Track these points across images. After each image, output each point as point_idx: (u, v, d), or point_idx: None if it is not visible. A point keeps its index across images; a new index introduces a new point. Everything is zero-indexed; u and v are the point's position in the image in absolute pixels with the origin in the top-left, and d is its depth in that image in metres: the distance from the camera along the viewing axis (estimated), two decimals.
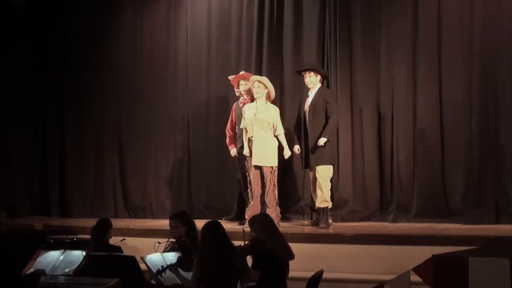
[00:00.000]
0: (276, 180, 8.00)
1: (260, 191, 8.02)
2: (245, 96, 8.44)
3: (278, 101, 8.83)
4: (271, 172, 7.97)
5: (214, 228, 5.17)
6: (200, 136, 9.61)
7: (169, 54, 9.91)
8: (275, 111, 8.11)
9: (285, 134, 8.20)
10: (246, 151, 8.08)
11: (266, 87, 8.06)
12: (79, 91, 10.36)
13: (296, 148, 8.13)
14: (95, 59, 10.29)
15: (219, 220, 5.65)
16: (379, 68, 8.64)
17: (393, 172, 8.48)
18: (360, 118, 8.70)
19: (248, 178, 8.14)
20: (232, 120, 8.62)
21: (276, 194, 7.98)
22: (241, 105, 8.47)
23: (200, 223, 6.18)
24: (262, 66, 9.19)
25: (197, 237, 5.88)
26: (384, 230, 7.56)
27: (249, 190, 8.12)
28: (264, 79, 8.15)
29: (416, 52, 8.39)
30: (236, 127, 8.54)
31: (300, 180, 8.87)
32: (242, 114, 8.35)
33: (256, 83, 8.05)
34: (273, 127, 8.04)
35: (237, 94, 8.64)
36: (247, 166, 8.13)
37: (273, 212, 7.80)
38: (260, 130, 7.99)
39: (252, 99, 8.24)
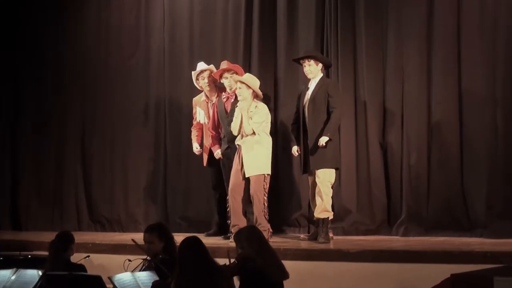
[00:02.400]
0: (267, 190, 7.97)
1: (241, 202, 8.02)
2: (228, 90, 8.46)
3: (271, 95, 8.90)
4: (264, 180, 7.95)
5: (193, 245, 5.16)
6: (178, 136, 9.59)
7: (140, 39, 9.91)
8: (260, 110, 8.03)
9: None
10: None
11: (249, 87, 8.02)
12: (34, 84, 10.36)
13: (295, 149, 8.14)
14: (52, 45, 10.29)
15: (198, 236, 5.62)
16: (386, 56, 8.62)
17: (403, 177, 8.47)
18: (365, 115, 8.70)
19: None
20: (214, 117, 8.60)
21: (266, 207, 7.95)
22: (224, 100, 8.48)
23: (176, 238, 6.16)
24: (252, 54, 9.20)
25: (175, 252, 5.79)
26: (393, 245, 7.55)
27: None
28: (245, 78, 8.11)
29: (431, 37, 8.36)
30: (220, 126, 8.54)
31: (296, 187, 8.88)
32: (225, 111, 8.41)
33: (238, 84, 8.06)
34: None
35: (207, 88, 8.64)
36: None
37: (264, 227, 7.75)
38: (245, 137, 8.02)
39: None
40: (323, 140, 7.75)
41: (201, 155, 8.79)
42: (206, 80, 8.62)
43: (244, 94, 8.03)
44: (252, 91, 8.04)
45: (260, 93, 8.13)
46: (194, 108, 8.87)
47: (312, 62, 8.01)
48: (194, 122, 8.86)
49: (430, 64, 8.37)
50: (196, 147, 8.79)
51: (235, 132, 8.11)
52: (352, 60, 8.74)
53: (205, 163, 8.79)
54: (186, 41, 9.64)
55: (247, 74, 8.31)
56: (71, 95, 10.19)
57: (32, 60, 10.34)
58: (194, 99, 8.88)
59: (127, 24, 9.98)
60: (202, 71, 8.67)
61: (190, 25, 9.63)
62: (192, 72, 8.77)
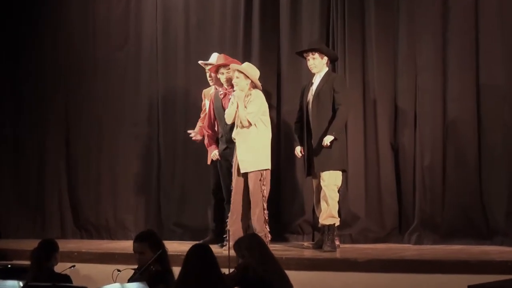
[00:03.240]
0: (267, 191, 7.98)
1: (241, 203, 8.05)
2: (225, 85, 8.44)
3: (273, 91, 8.93)
4: (260, 179, 7.94)
5: (202, 254, 5.14)
6: (173, 135, 9.60)
7: (129, 28, 9.91)
8: (253, 98, 8.04)
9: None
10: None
11: (248, 77, 8.02)
12: (14, 79, 10.34)
13: (298, 150, 8.15)
14: (35, 34, 10.28)
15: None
16: (398, 49, 8.64)
17: (416, 181, 8.48)
18: (374, 113, 8.72)
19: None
20: (210, 115, 8.60)
21: (266, 210, 7.96)
22: (221, 96, 8.47)
23: (170, 245, 6.15)
24: (252, 47, 9.20)
25: (168, 263, 5.86)
26: (405, 254, 7.58)
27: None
28: (243, 68, 8.14)
29: (446, 28, 8.37)
30: (216, 124, 8.54)
31: (300, 191, 8.88)
32: (223, 107, 8.40)
33: (236, 73, 8.09)
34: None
35: (210, 83, 8.66)
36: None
37: (260, 232, 7.78)
38: (241, 129, 8.05)
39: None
40: (327, 139, 7.75)
41: (199, 142, 8.77)
42: (207, 75, 8.61)
43: (242, 84, 8.04)
44: (250, 81, 8.06)
45: (259, 84, 8.15)
46: (203, 100, 8.85)
47: (316, 55, 8.02)
48: (202, 115, 8.83)
49: (446, 57, 8.38)
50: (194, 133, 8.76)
51: (229, 120, 8.12)
52: (360, 53, 8.76)
53: (209, 161, 8.76)
54: (181, 32, 9.63)
55: (246, 63, 8.32)
56: (54, 91, 10.17)
57: (11, 54, 10.32)
58: (204, 90, 8.86)
59: (116, 13, 9.96)
60: (206, 65, 8.65)
61: (185, 14, 9.62)
62: (199, 62, 8.76)
